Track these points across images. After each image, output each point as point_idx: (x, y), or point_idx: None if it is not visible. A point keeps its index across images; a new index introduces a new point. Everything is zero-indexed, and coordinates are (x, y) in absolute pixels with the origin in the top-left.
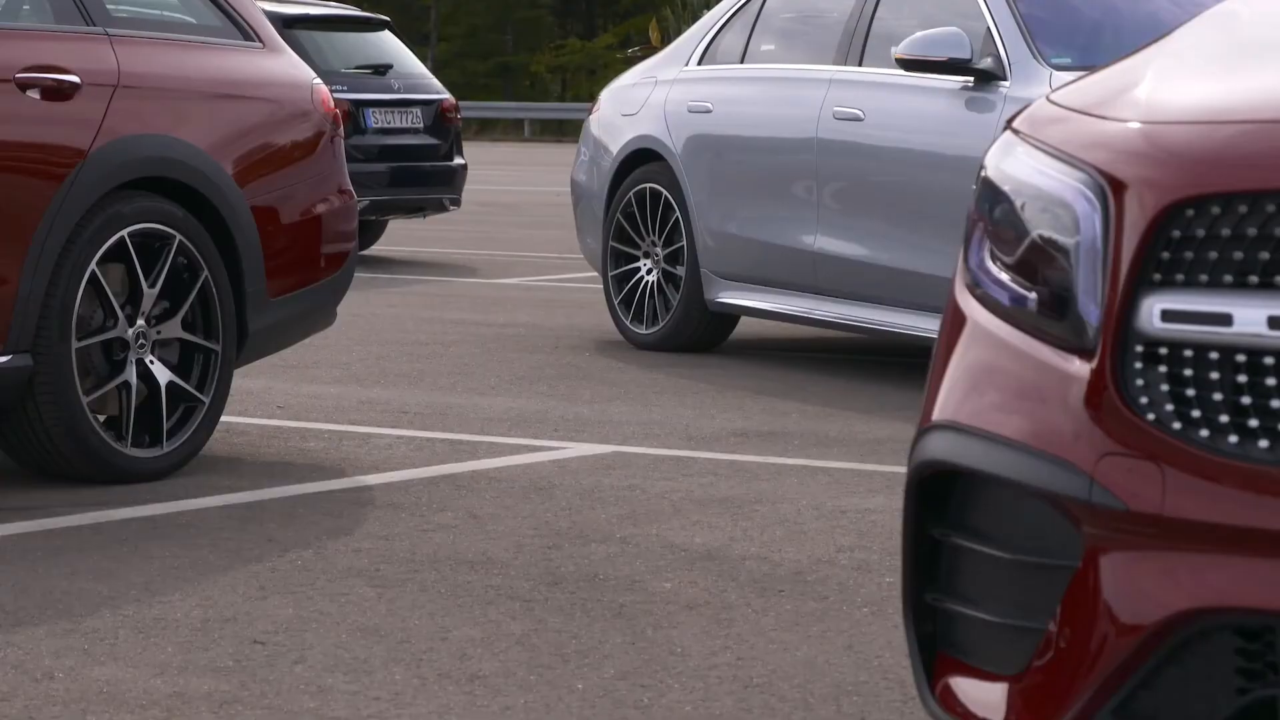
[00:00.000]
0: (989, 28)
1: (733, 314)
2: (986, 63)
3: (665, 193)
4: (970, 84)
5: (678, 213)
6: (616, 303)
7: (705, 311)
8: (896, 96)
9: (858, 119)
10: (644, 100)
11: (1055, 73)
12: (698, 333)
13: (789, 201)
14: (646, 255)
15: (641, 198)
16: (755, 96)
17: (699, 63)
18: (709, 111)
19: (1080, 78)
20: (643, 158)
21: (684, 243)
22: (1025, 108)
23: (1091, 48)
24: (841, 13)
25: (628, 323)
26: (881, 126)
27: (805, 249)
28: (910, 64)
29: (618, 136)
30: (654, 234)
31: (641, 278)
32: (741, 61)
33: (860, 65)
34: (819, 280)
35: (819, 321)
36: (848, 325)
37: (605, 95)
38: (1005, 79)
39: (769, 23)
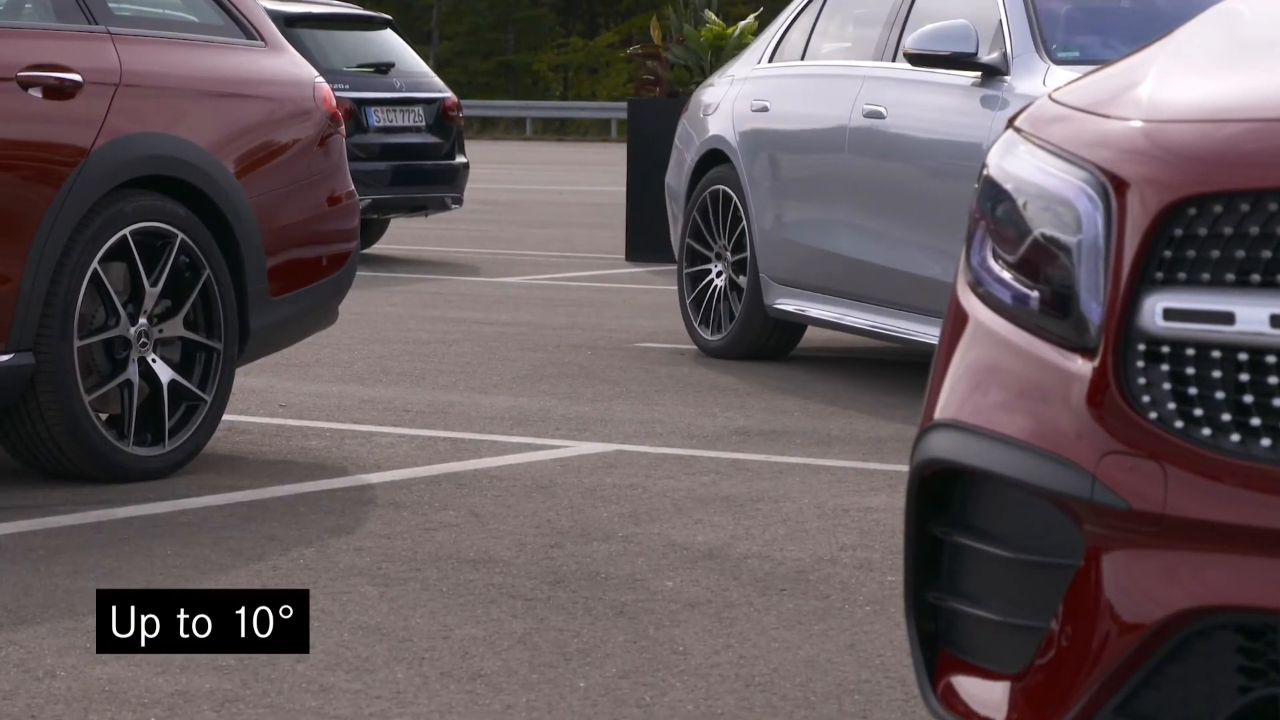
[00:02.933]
0: (1001, 21)
1: (794, 321)
2: (993, 57)
3: (733, 195)
4: (979, 79)
5: (743, 215)
6: (689, 308)
7: (767, 318)
8: (914, 93)
9: (881, 116)
10: (719, 99)
11: (1054, 67)
12: (760, 340)
13: (825, 202)
14: (717, 259)
15: (713, 200)
16: (802, 94)
17: (769, 60)
18: (766, 110)
19: (1088, 73)
20: (715, 159)
21: (748, 246)
22: (1027, 106)
23: (1107, 41)
24: (885, 7)
25: (698, 328)
26: (898, 124)
27: (840, 254)
28: (917, 59)
29: (697, 136)
30: (724, 237)
31: (712, 282)
32: (802, 59)
33: (894, 61)
34: (853, 287)
35: (862, 330)
36: (885, 335)
37: (696, 93)
38: (1008, 74)
39: (830, 18)
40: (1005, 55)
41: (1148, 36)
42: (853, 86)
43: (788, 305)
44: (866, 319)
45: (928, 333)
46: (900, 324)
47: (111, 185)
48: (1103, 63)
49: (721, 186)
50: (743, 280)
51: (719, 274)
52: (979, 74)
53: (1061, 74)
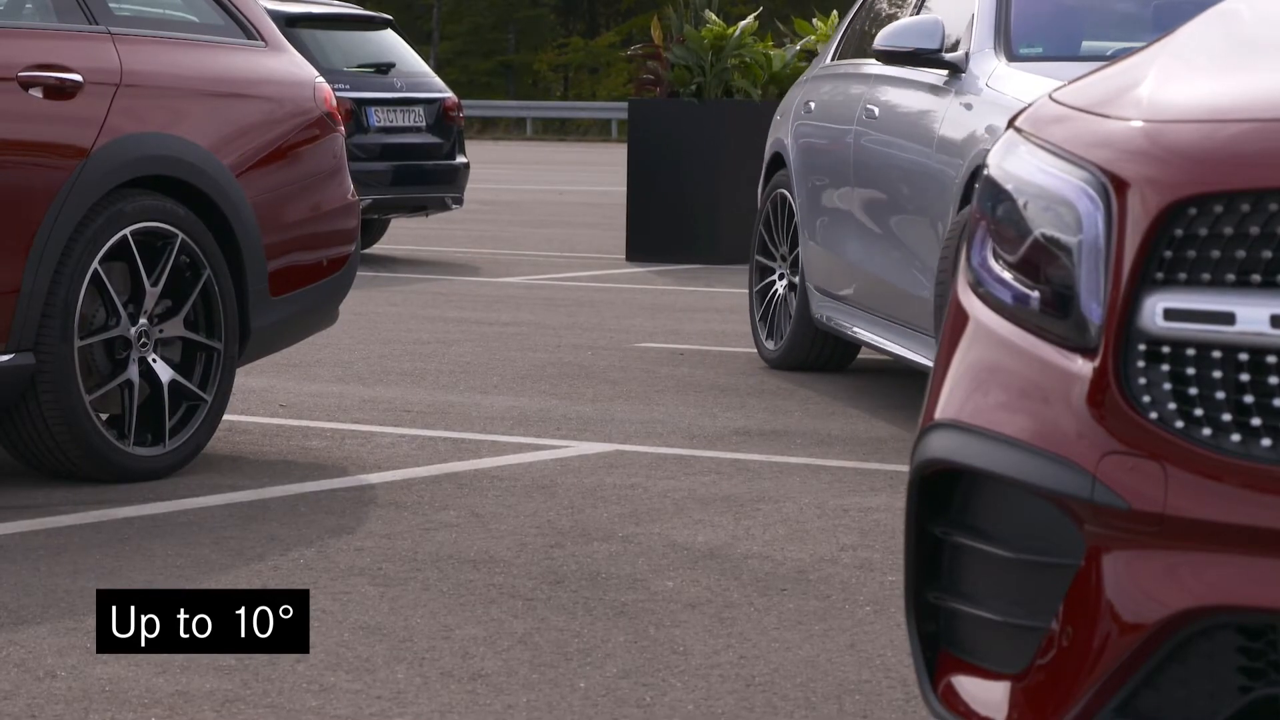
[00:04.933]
0: (972, 16)
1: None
2: (957, 54)
3: (790, 199)
4: (947, 76)
5: (796, 221)
6: (755, 317)
7: (817, 330)
8: (897, 91)
9: (875, 116)
10: (790, 101)
11: (1003, 66)
12: (812, 352)
13: (840, 206)
14: (780, 266)
15: (778, 204)
16: (830, 94)
17: (831, 59)
18: (811, 111)
19: (1089, 74)
20: (779, 163)
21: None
22: (1028, 107)
23: (1076, 37)
24: (905, 4)
25: (762, 338)
26: (882, 124)
27: (847, 261)
28: (885, 55)
29: (769, 139)
30: (784, 243)
31: (775, 290)
32: (849, 57)
33: None
34: (860, 297)
35: (869, 344)
36: (882, 349)
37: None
38: (965, 70)
39: (876, 15)
40: (967, 52)
41: (1138, 32)
42: (863, 86)
43: (825, 316)
44: (868, 332)
45: (909, 348)
46: (891, 337)
47: (112, 185)
48: (1057, 59)
49: (782, 191)
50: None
51: (782, 282)
52: (947, 71)
53: (1008, 73)
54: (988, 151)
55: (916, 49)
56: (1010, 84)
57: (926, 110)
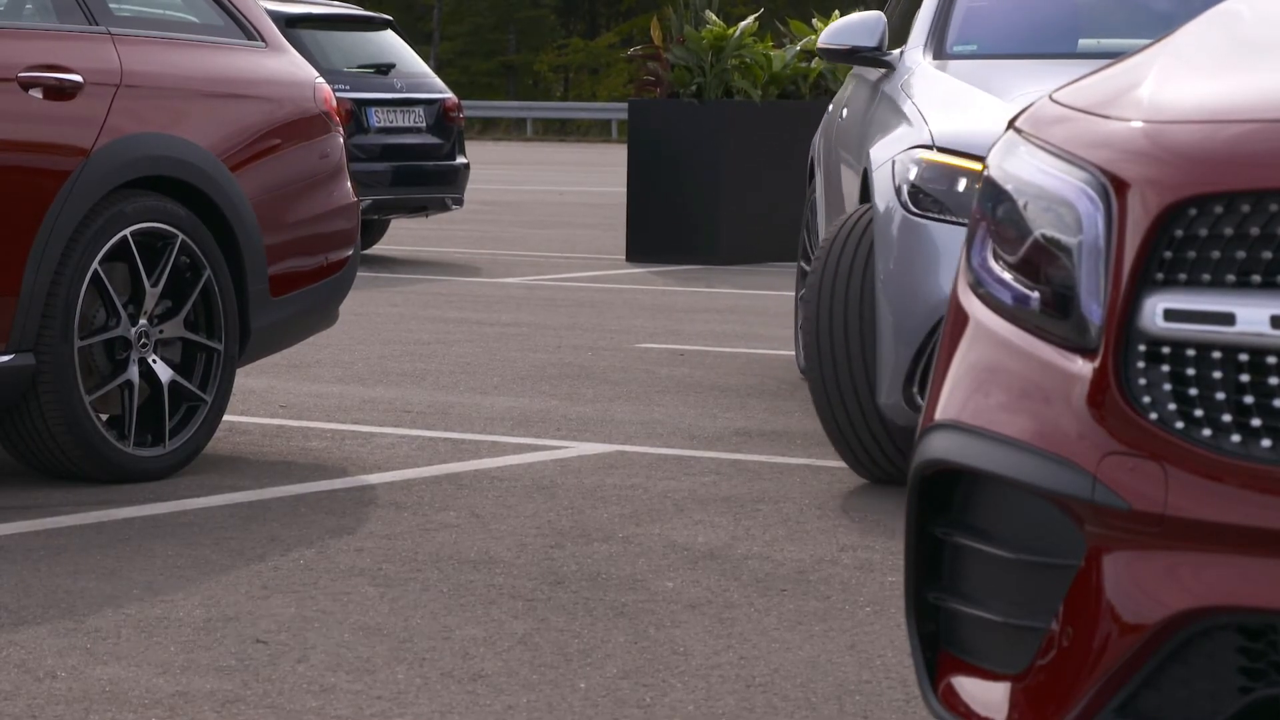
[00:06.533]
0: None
1: None
2: (894, 53)
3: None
4: (885, 75)
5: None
6: (796, 328)
7: None
8: (858, 91)
9: (843, 118)
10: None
11: (924, 64)
12: None
13: (827, 210)
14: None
15: (812, 209)
16: (840, 95)
17: None
18: (829, 113)
19: (1090, 74)
20: (813, 167)
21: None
22: (1028, 107)
23: (1024, 36)
24: (906, 3)
25: (799, 345)
26: (844, 125)
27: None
28: (825, 53)
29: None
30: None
31: None
32: None
33: None
34: None
35: None
36: None
37: None
38: (896, 68)
39: (894, 13)
40: (903, 50)
41: (1122, 30)
42: (852, 86)
43: None
44: None
45: None
46: None
47: (112, 186)
48: (988, 58)
49: (815, 195)
50: None
51: None
52: (883, 70)
53: (924, 71)
54: (870, 153)
55: (853, 47)
56: (917, 83)
57: (862, 110)
